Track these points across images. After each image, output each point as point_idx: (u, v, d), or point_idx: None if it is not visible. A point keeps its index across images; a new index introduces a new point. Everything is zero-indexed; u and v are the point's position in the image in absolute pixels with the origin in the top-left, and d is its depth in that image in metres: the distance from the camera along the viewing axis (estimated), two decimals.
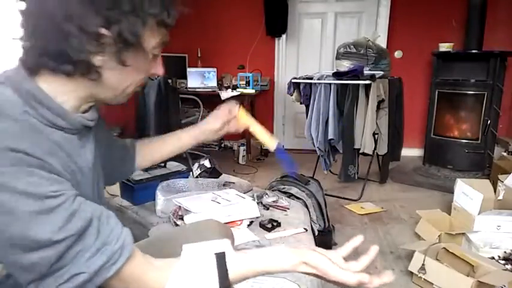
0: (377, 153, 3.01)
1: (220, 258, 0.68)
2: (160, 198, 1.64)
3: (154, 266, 0.68)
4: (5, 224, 0.55)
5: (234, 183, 1.96)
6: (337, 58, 3.10)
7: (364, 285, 0.68)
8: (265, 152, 4.25)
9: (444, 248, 1.75)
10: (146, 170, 1.86)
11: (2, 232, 0.55)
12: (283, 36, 4.28)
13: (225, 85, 4.08)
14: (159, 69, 0.75)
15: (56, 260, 0.57)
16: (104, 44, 0.61)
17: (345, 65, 2.98)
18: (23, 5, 0.61)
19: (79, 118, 0.68)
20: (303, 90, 2.98)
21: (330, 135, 2.81)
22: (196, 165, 2.10)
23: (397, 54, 4.07)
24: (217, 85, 4.04)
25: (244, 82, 3.92)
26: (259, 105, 4.41)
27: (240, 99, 3.83)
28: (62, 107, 0.65)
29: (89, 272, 0.59)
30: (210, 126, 1.09)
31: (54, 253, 0.57)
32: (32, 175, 0.55)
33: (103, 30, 0.59)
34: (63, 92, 0.65)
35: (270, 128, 4.56)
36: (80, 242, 0.59)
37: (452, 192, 2.32)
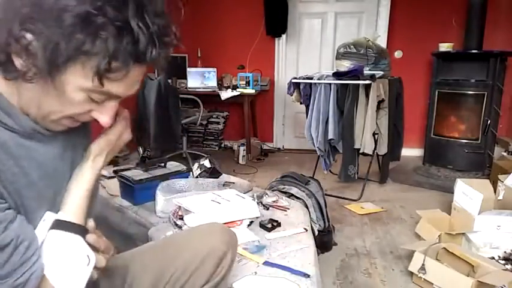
0: (377, 153, 3.01)
1: (59, 221, 0.69)
2: (160, 198, 1.64)
3: None
4: None
5: (234, 183, 1.96)
6: (337, 58, 3.10)
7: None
8: (265, 152, 4.25)
9: (444, 248, 1.75)
10: (146, 170, 1.86)
11: None
12: (283, 36, 4.28)
13: (225, 85, 4.08)
14: (102, 117, 0.65)
15: None
16: (28, 55, 0.56)
17: (345, 65, 2.98)
18: None
19: (29, 122, 0.64)
20: (303, 90, 2.98)
21: (330, 135, 2.81)
22: (196, 165, 2.10)
23: (397, 54, 4.07)
24: (217, 85, 4.04)
25: (244, 82, 3.92)
26: (259, 105, 4.42)
27: (240, 99, 3.84)
28: (12, 106, 0.62)
29: None
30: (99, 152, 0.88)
31: None
32: None
33: (28, 36, 0.55)
34: (9, 94, 0.62)
35: (270, 128, 4.56)
36: None
37: (452, 192, 2.31)
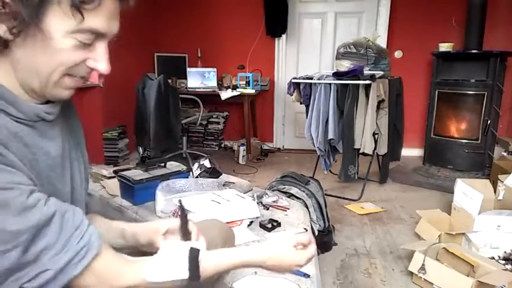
0: (377, 153, 3.01)
1: (193, 252, 0.73)
2: (160, 198, 1.64)
3: (128, 260, 0.71)
4: None
5: (234, 183, 1.96)
6: (337, 58, 3.10)
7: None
8: (265, 152, 4.25)
9: (444, 248, 1.75)
10: (146, 170, 1.86)
11: None
12: (283, 36, 4.28)
13: (225, 85, 4.08)
14: (99, 64, 0.66)
15: (20, 255, 0.57)
16: (6, 13, 0.57)
17: (345, 65, 2.98)
18: None
19: (33, 107, 0.66)
20: (303, 90, 2.98)
21: (330, 135, 2.81)
22: (196, 165, 2.10)
23: (397, 54, 4.07)
24: (217, 85, 4.04)
25: (244, 82, 3.92)
26: (259, 105, 4.42)
27: (240, 99, 3.84)
28: (12, 93, 0.63)
29: (54, 269, 0.60)
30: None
31: (15, 246, 0.57)
32: None
33: None
34: (7, 79, 0.63)
35: (270, 128, 4.56)
36: (42, 237, 0.59)
37: (452, 192, 2.31)
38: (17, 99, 0.64)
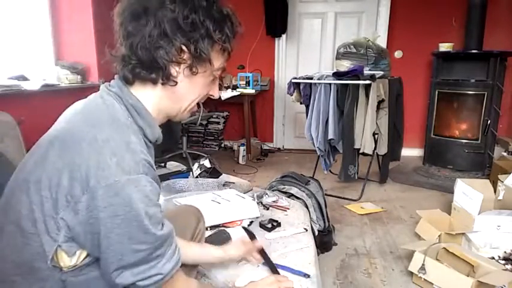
0: (377, 153, 3.01)
1: None
2: (160, 198, 1.64)
3: (188, 281, 0.88)
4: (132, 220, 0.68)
5: (234, 183, 1.96)
6: (337, 58, 3.10)
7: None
8: (265, 152, 4.25)
9: (444, 248, 1.74)
10: None
11: (128, 223, 0.67)
12: (283, 36, 4.28)
13: (225, 85, 4.07)
14: (215, 91, 0.87)
15: (146, 256, 0.70)
16: (182, 58, 0.76)
17: (345, 65, 2.98)
18: (122, 28, 0.76)
19: (159, 131, 0.83)
20: (303, 90, 2.98)
21: (330, 135, 2.81)
22: (196, 165, 2.10)
23: (397, 54, 4.07)
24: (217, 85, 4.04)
25: (244, 82, 3.92)
26: (259, 105, 4.42)
27: (240, 99, 3.83)
28: (152, 116, 0.80)
29: (163, 274, 0.73)
30: (234, 256, 1.18)
31: (149, 247, 0.70)
32: (152, 184, 0.71)
33: (183, 47, 0.75)
34: (149, 102, 0.80)
35: (270, 128, 4.56)
36: (164, 245, 0.73)
37: (452, 192, 2.31)
38: (154, 121, 0.81)
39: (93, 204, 0.66)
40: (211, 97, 0.89)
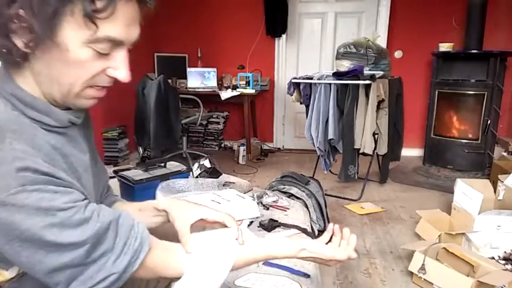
0: (377, 153, 3.01)
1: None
2: (160, 198, 1.64)
3: (172, 250, 0.74)
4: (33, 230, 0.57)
5: (234, 183, 1.95)
6: (337, 58, 3.10)
7: (350, 258, 0.86)
8: (265, 152, 4.25)
9: (444, 248, 1.74)
10: (146, 170, 1.86)
11: (31, 236, 0.57)
12: (283, 36, 4.28)
13: (225, 85, 4.08)
14: (119, 73, 0.66)
15: (83, 259, 0.60)
16: (22, 27, 0.57)
17: (345, 65, 2.98)
18: None
19: (65, 113, 0.67)
20: (303, 90, 2.98)
21: (330, 135, 2.81)
22: (196, 165, 2.10)
23: (397, 54, 4.07)
24: (217, 85, 4.04)
25: (244, 82, 3.92)
26: (259, 105, 4.42)
27: (240, 99, 3.84)
28: (44, 102, 0.64)
29: (118, 272, 0.64)
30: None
31: (79, 254, 0.60)
32: (42, 192, 0.57)
33: (20, 11, 0.56)
34: (34, 89, 0.64)
35: (270, 128, 4.56)
36: (101, 244, 0.62)
37: (452, 192, 2.31)
38: (50, 107, 0.65)
39: None
40: (118, 80, 0.69)
